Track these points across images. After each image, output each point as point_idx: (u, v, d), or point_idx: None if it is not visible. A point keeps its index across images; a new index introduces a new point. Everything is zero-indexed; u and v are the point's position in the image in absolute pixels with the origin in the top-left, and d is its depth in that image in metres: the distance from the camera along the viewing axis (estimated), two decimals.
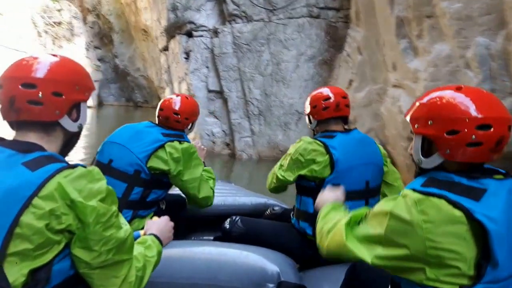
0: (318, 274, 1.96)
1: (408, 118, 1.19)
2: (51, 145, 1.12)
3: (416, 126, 1.14)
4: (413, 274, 1.03)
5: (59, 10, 21.43)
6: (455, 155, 1.07)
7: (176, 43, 8.72)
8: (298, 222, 2.12)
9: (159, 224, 1.49)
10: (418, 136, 1.15)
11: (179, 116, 2.32)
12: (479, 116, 1.04)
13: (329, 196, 1.59)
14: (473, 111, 1.04)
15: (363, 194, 2.05)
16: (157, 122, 2.38)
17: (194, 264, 1.81)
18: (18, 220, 0.95)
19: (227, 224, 2.21)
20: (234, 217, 2.23)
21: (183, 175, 2.20)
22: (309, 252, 2.04)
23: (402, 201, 1.05)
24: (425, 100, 1.15)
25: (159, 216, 1.64)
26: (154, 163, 2.15)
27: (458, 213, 0.98)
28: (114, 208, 1.09)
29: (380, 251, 1.08)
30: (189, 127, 2.39)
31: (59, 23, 21.28)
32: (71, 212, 1.00)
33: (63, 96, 1.11)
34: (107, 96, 24.60)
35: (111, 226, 1.07)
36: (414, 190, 1.06)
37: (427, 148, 1.14)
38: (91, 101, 22.20)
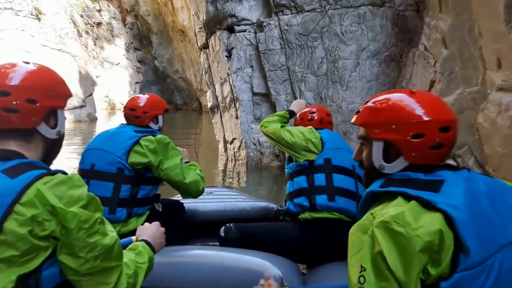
0: (322, 275, 1.99)
1: (359, 124, 1.20)
2: (31, 153, 1.14)
3: (375, 131, 1.14)
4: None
5: (99, 11, 21.41)
6: (420, 158, 1.10)
7: (217, 39, 7.81)
8: (293, 201, 2.27)
9: (150, 230, 1.45)
10: (379, 141, 1.15)
11: (135, 112, 2.43)
12: (441, 118, 1.09)
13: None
14: (434, 114, 1.09)
15: (352, 173, 2.29)
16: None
17: (196, 269, 1.83)
18: (2, 227, 0.97)
19: (222, 232, 2.27)
20: (228, 225, 2.29)
21: (162, 164, 2.27)
22: (306, 240, 2.18)
23: (382, 231, 0.99)
24: (379, 104, 1.16)
25: (155, 219, 1.65)
26: (134, 158, 2.24)
27: (436, 215, 0.99)
28: (98, 215, 1.09)
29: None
30: (155, 122, 2.48)
31: (99, 24, 21.28)
32: (54, 218, 1.01)
33: (37, 103, 1.13)
34: None
35: (95, 232, 1.07)
36: (373, 191, 1.10)
37: (387, 153, 1.14)
38: None
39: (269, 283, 1.41)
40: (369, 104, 1.19)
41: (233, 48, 7.44)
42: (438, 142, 1.08)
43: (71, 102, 15.49)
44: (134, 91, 22.73)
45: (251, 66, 7.31)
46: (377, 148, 1.15)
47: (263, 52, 7.05)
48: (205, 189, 3.14)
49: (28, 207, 0.98)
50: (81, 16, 19.73)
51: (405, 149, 1.10)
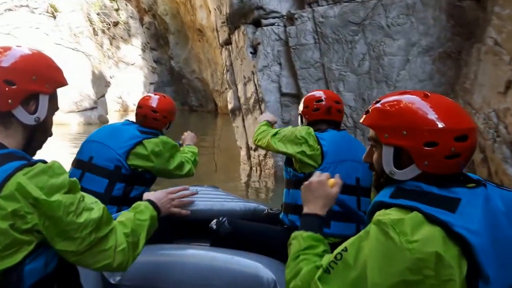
0: None
1: (367, 125, 1.12)
2: (10, 140, 1.12)
3: (385, 136, 1.07)
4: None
5: (116, 10, 20.99)
6: (434, 167, 1.03)
7: (241, 34, 7.07)
8: (287, 216, 2.20)
9: (156, 193, 1.47)
10: (388, 146, 1.07)
11: (157, 114, 2.42)
12: (457, 127, 1.02)
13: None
14: (449, 121, 1.02)
15: (354, 190, 2.14)
16: (135, 121, 2.46)
17: (184, 269, 1.78)
18: None
19: (213, 224, 2.22)
20: (220, 218, 2.24)
21: (170, 165, 2.35)
22: None
23: (377, 230, 0.96)
24: (389, 106, 1.08)
25: None
26: (135, 161, 2.25)
27: (437, 230, 0.91)
28: (79, 195, 1.10)
29: None
30: (166, 126, 2.51)
31: (116, 23, 20.86)
32: (36, 211, 1.00)
33: (15, 85, 1.11)
34: None
35: (82, 211, 1.08)
36: (383, 202, 1.03)
37: (398, 159, 1.07)
38: None
39: (336, 180, 1.31)
40: (379, 105, 1.11)
41: (259, 43, 6.68)
42: (453, 151, 1.00)
43: (82, 104, 14.90)
44: (148, 92, 22.20)
45: (279, 64, 6.54)
46: (387, 153, 1.07)
47: (293, 47, 6.26)
48: (191, 188, 3.12)
49: (9, 201, 0.97)
50: (98, 14, 19.25)
51: (417, 157, 1.03)
